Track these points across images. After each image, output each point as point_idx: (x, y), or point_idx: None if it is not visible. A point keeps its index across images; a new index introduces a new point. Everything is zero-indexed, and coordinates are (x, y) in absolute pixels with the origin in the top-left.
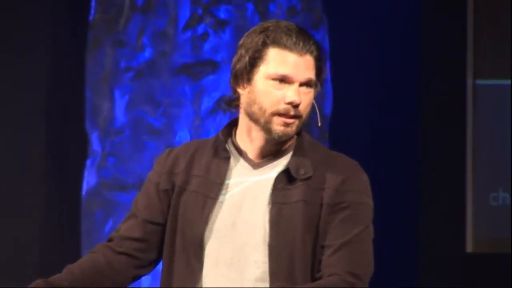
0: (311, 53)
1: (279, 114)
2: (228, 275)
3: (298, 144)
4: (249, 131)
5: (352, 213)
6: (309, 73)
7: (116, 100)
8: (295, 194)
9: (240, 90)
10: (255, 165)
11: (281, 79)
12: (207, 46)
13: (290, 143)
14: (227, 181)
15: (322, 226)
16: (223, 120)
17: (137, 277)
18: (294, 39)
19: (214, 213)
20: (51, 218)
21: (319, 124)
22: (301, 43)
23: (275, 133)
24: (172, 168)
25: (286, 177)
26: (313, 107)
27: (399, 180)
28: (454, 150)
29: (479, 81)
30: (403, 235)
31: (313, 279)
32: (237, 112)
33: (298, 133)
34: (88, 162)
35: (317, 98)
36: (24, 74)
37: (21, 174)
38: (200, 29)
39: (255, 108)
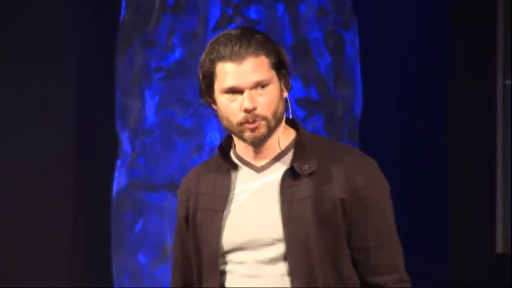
0: (253, 53)
1: (241, 123)
2: (251, 274)
3: (298, 141)
4: (238, 141)
5: (377, 206)
6: (256, 75)
7: (146, 101)
8: (304, 191)
9: (214, 107)
10: (259, 169)
11: (231, 91)
12: None
13: (289, 141)
14: (232, 192)
15: (341, 222)
16: None
17: None
18: (231, 48)
19: (224, 224)
20: (81, 219)
21: (290, 116)
22: (238, 49)
23: (247, 140)
24: (187, 194)
25: (291, 175)
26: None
27: (429, 180)
28: (484, 150)
29: (509, 82)
30: (434, 236)
31: (337, 273)
32: None
33: (296, 129)
34: (118, 162)
35: (347, 98)
36: (54, 75)
37: (51, 174)
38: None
39: (225, 123)
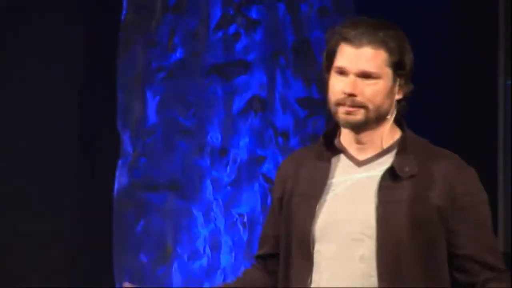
0: (373, 44)
1: (339, 104)
2: (333, 271)
3: (402, 141)
4: (344, 130)
5: (478, 215)
6: (366, 65)
7: (148, 101)
8: (401, 193)
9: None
10: (359, 163)
11: (340, 71)
12: (238, 46)
13: (394, 141)
14: (331, 180)
15: (438, 230)
16: (254, 120)
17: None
18: (355, 32)
19: (319, 212)
20: (82, 219)
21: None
22: (361, 35)
23: (341, 121)
24: (285, 176)
25: (391, 175)
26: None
27: None
28: (486, 149)
29: (510, 82)
30: None
31: (427, 278)
32: None
33: (402, 130)
34: (120, 162)
35: None
36: (55, 75)
37: (53, 174)
38: (232, 29)
39: (328, 101)
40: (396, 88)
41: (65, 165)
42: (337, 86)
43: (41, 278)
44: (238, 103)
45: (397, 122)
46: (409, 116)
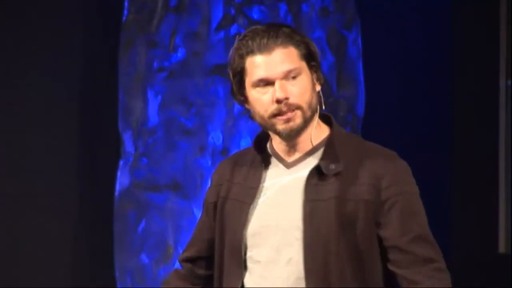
0: (282, 44)
1: (274, 115)
2: (265, 275)
3: (330, 138)
4: (273, 136)
5: (405, 205)
6: (286, 65)
7: (149, 101)
8: (328, 191)
9: (246, 106)
10: (289, 165)
11: (263, 83)
12: None
13: (322, 138)
14: (262, 185)
15: (360, 224)
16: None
17: None
18: (258, 41)
19: (250, 217)
20: (83, 219)
21: (323, 107)
22: (266, 41)
23: (282, 133)
24: (220, 180)
25: (317, 173)
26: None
27: (432, 181)
28: (487, 150)
29: (511, 82)
30: (436, 236)
31: (359, 276)
32: None
33: (330, 126)
34: (121, 162)
35: (350, 98)
36: (57, 75)
37: (54, 174)
38: (233, 30)
39: (258, 119)
40: (314, 80)
41: (66, 165)
42: (265, 98)
43: (42, 278)
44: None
45: (323, 118)
46: (410, 117)
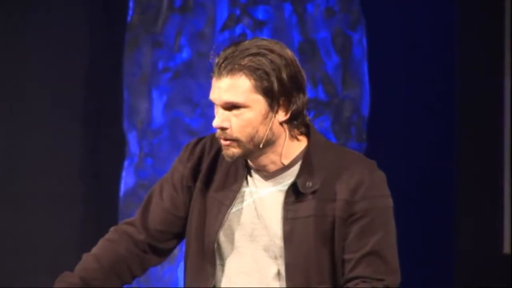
0: (232, 73)
1: (219, 137)
2: (249, 285)
3: (306, 154)
4: None
5: (367, 222)
6: (227, 96)
7: (154, 101)
8: (306, 209)
9: None
10: (266, 176)
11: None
12: None
13: (299, 152)
14: (243, 189)
15: (337, 240)
16: None
17: (149, 267)
18: (219, 61)
19: (228, 221)
20: (88, 219)
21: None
22: (221, 64)
23: (223, 156)
24: (197, 163)
25: (294, 191)
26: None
27: (436, 181)
28: (492, 150)
29: None
30: (440, 236)
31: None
32: None
33: (308, 138)
34: (126, 163)
35: (355, 99)
36: (62, 75)
37: (59, 175)
38: (238, 30)
39: None
40: (275, 112)
41: (71, 165)
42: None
43: (47, 279)
44: None
45: (304, 130)
46: (415, 118)
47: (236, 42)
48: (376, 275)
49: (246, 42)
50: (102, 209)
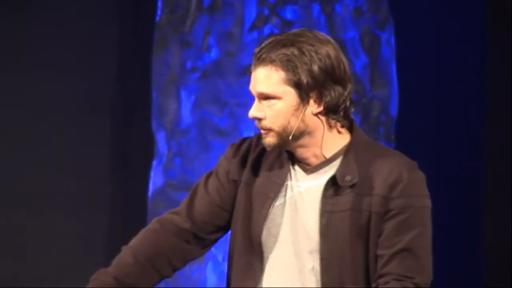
0: (265, 64)
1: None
2: (287, 279)
3: (347, 148)
4: None
5: (403, 219)
6: (261, 86)
7: (182, 101)
8: (344, 202)
9: None
10: (308, 170)
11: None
12: None
13: (341, 147)
14: (287, 182)
15: (372, 236)
16: None
17: (190, 259)
18: (256, 53)
19: (272, 214)
20: (117, 219)
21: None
22: (258, 55)
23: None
24: (243, 159)
25: (333, 184)
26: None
27: (465, 180)
28: None
29: None
30: (469, 236)
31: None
32: None
33: (351, 133)
34: (154, 162)
35: (383, 98)
36: (90, 75)
37: (87, 175)
38: (266, 30)
39: None
40: (306, 103)
41: (100, 165)
42: None
43: (74, 278)
44: None
45: (347, 124)
46: (444, 118)
47: (278, 33)
48: (407, 272)
49: (287, 33)
50: (131, 209)
